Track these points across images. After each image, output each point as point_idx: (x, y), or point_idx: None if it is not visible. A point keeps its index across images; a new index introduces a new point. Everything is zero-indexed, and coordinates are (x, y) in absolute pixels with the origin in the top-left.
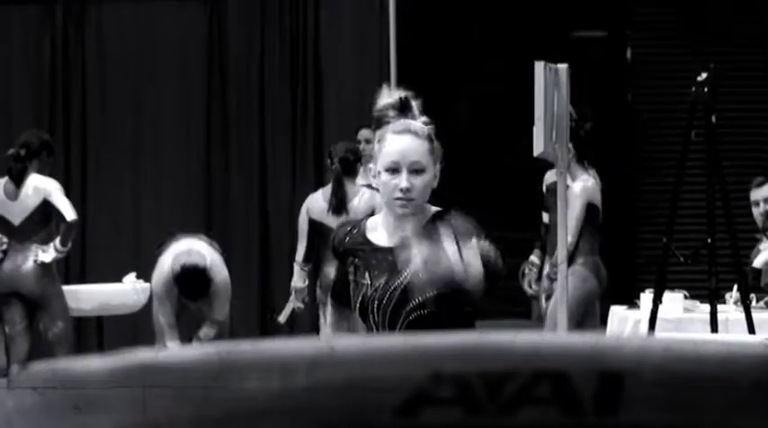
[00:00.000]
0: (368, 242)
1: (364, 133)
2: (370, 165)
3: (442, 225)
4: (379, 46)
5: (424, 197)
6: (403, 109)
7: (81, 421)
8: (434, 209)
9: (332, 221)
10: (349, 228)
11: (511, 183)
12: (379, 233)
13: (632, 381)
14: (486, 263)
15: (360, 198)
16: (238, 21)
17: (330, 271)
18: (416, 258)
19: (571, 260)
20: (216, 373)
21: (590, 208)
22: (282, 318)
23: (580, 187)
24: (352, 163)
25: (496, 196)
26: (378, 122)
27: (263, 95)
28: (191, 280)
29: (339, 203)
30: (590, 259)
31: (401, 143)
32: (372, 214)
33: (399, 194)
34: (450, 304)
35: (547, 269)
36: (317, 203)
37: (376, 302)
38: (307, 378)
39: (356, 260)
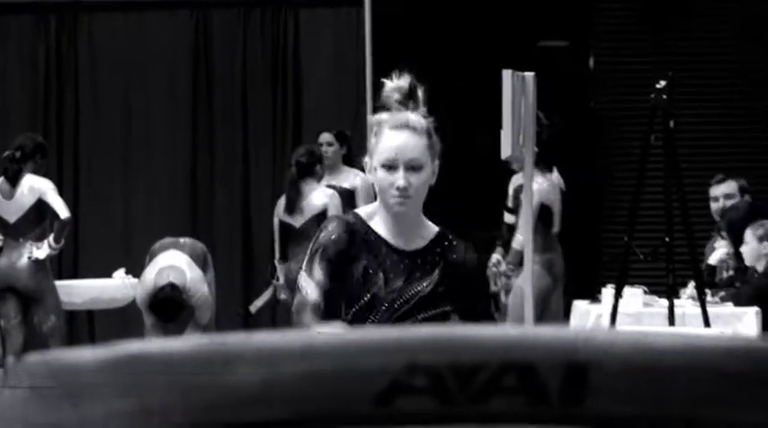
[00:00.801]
0: (383, 241)
1: (325, 136)
2: (366, 159)
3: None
4: (355, 53)
5: (422, 195)
6: (410, 95)
7: (74, 409)
8: (435, 228)
9: (290, 220)
10: (344, 233)
11: (480, 185)
12: (384, 230)
13: (596, 373)
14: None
15: (316, 197)
16: (222, 30)
17: (295, 267)
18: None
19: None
20: (205, 363)
21: (542, 208)
22: (253, 309)
23: (534, 189)
24: (307, 165)
25: (466, 197)
26: (382, 107)
27: (246, 100)
28: (165, 308)
29: (289, 202)
30: (543, 257)
31: (398, 139)
32: (324, 214)
33: (396, 192)
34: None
35: (503, 266)
36: (281, 204)
37: (386, 304)
38: (291, 369)
39: (370, 256)
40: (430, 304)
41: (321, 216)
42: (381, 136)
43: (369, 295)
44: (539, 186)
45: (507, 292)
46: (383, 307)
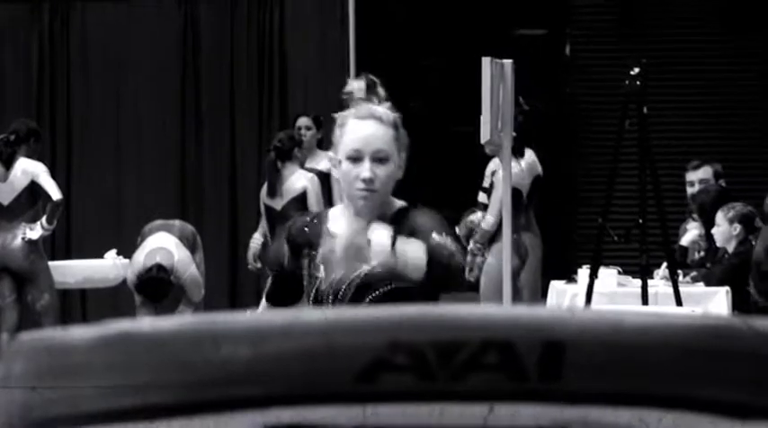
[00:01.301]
0: (328, 233)
1: (303, 121)
2: (330, 153)
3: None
4: (339, 41)
5: (388, 188)
6: (369, 90)
7: (67, 386)
8: (399, 203)
9: (272, 203)
10: (309, 219)
11: (458, 170)
12: (339, 224)
13: (573, 350)
14: (436, 257)
15: (295, 179)
16: (210, 19)
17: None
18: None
19: (492, 239)
20: (192, 341)
21: (513, 191)
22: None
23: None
24: (286, 149)
25: (444, 182)
26: (343, 106)
27: (233, 86)
28: (152, 288)
29: (270, 186)
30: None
31: (364, 130)
32: (303, 196)
33: (361, 185)
34: (406, 298)
35: (471, 245)
36: (265, 188)
37: (331, 297)
38: (276, 347)
39: (312, 252)
40: (372, 284)
41: (300, 198)
42: (346, 127)
43: (314, 291)
44: (532, 157)
45: (471, 270)
46: (329, 301)
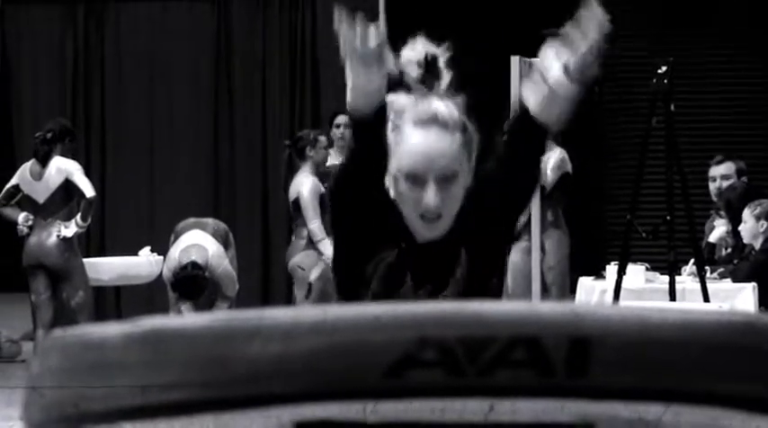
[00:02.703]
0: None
1: (341, 118)
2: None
3: None
4: None
5: (456, 207)
6: (427, 68)
7: (100, 382)
8: None
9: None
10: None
11: None
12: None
13: (599, 346)
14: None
15: (296, 182)
16: (242, 18)
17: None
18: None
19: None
20: (222, 338)
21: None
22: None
23: (558, 157)
24: (298, 148)
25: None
26: (400, 83)
27: (266, 85)
28: (188, 286)
29: (285, 183)
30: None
31: (425, 142)
32: (297, 203)
33: (425, 212)
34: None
35: None
36: None
37: None
38: (306, 343)
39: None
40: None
41: (294, 203)
42: (402, 133)
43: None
44: (561, 154)
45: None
46: None
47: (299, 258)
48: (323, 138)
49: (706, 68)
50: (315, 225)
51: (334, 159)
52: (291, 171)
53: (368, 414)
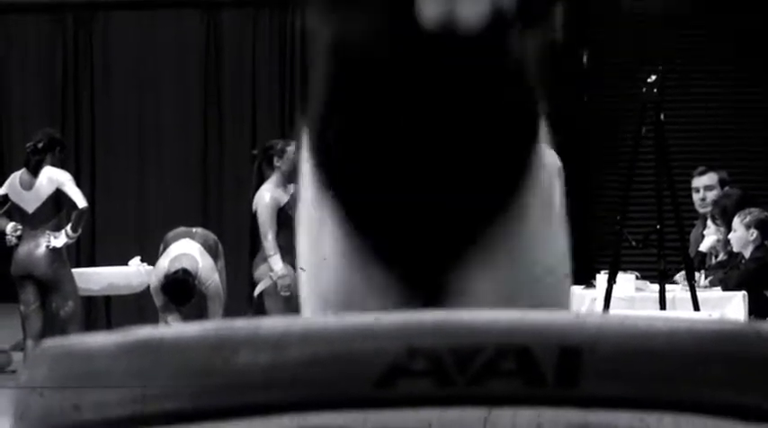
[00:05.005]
0: None
1: None
2: None
3: None
4: None
5: None
6: None
7: (89, 392)
8: None
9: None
10: None
11: None
12: None
13: (590, 355)
14: None
15: (258, 197)
16: (232, 27)
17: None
18: None
19: None
20: (212, 348)
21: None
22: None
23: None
24: (268, 157)
25: None
26: None
27: (255, 94)
28: (177, 289)
29: (253, 193)
30: None
31: None
32: (254, 216)
33: None
34: None
35: None
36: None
37: None
38: (295, 353)
39: None
40: None
41: (254, 216)
42: None
43: None
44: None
45: None
46: None
47: (262, 270)
48: (290, 148)
49: (695, 77)
50: (268, 240)
51: None
52: (261, 180)
53: (360, 424)
